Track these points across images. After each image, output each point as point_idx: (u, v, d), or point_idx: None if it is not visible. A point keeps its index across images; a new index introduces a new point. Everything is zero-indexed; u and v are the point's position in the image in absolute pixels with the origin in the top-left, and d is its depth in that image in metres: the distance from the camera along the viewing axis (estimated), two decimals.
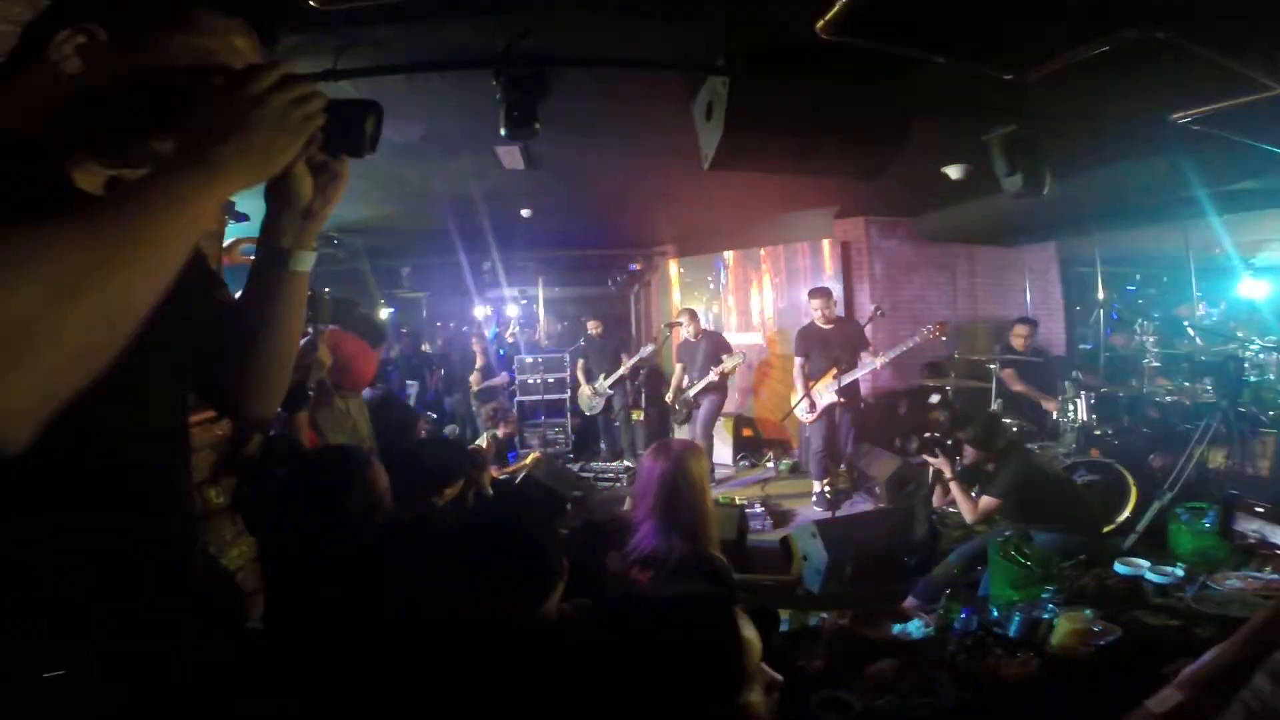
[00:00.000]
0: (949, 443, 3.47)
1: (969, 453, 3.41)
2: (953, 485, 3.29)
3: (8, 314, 0.53)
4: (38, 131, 0.76)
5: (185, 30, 0.79)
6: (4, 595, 0.67)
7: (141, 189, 0.67)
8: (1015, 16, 2.45)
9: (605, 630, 1.02)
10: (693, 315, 6.18)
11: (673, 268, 8.05)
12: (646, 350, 6.62)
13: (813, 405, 5.23)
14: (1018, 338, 5.41)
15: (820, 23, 2.37)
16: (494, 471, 4.25)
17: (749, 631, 1.00)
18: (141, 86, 0.77)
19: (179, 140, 0.73)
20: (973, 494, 3.29)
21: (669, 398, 6.22)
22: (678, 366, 6.23)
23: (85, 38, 0.74)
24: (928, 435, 3.86)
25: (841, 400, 5.11)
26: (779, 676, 1.04)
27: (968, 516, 3.29)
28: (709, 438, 5.96)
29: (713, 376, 5.76)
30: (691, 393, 5.91)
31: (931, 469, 3.64)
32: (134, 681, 0.75)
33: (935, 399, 5.49)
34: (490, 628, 1.42)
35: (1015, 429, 4.84)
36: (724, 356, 5.74)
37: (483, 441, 5.64)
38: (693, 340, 6.07)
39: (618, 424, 6.97)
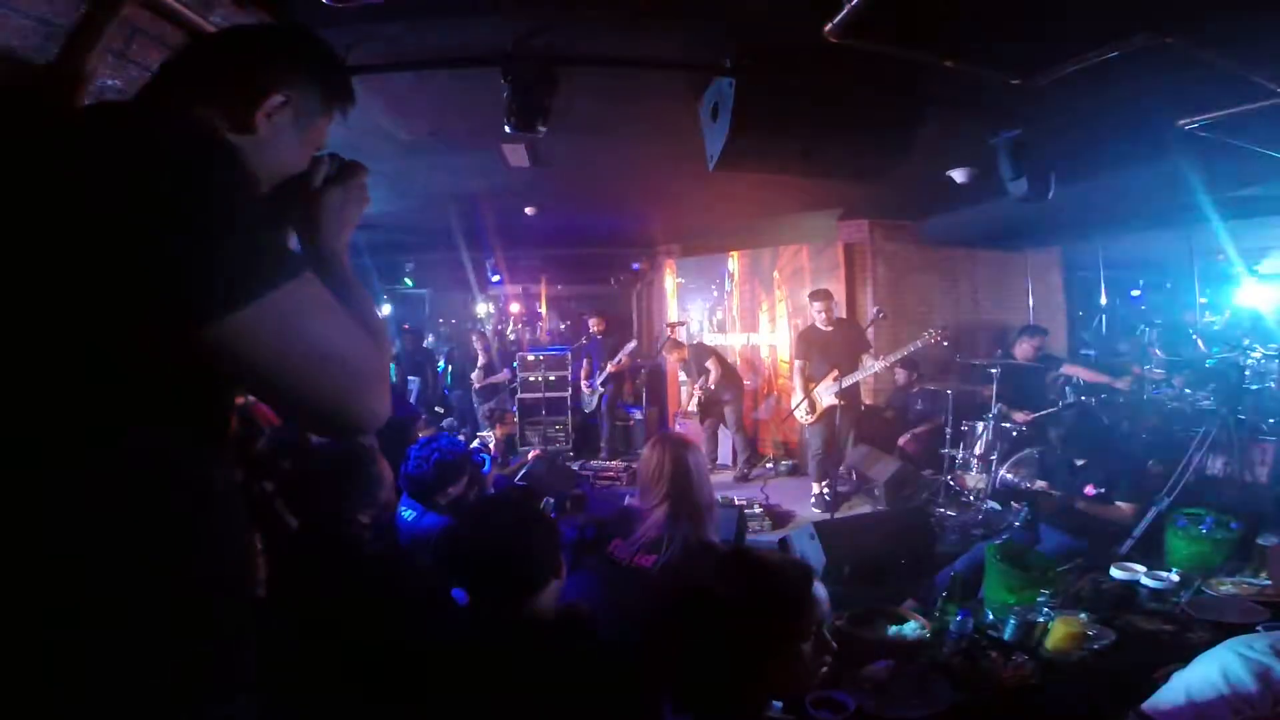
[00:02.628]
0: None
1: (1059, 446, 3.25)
2: (1100, 510, 3.09)
3: (386, 356, 0.83)
4: None
5: (329, 119, 0.94)
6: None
7: (340, 271, 0.89)
8: (1024, 20, 2.46)
9: (711, 575, 1.20)
10: (676, 329, 6.89)
11: (669, 280, 8.01)
12: (629, 348, 6.72)
13: (813, 407, 5.24)
14: (1031, 348, 5.37)
15: (828, 25, 2.37)
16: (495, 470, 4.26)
17: (821, 593, 1.19)
18: (285, 160, 0.89)
19: (319, 224, 0.92)
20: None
21: (689, 402, 6.67)
22: (683, 372, 6.78)
23: (282, 102, 0.86)
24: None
25: (841, 402, 5.12)
26: (834, 645, 1.23)
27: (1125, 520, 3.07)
28: (740, 432, 6.39)
29: (698, 393, 6.35)
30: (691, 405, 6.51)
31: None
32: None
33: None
34: (482, 620, 1.44)
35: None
36: (708, 364, 6.28)
37: (490, 440, 5.67)
38: (687, 355, 6.57)
39: (615, 421, 7.03)
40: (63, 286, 0.67)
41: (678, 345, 6.60)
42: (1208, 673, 1.27)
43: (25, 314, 0.67)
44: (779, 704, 1.31)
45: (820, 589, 1.20)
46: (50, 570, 0.66)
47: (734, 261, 7.39)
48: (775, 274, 6.99)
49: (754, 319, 7.21)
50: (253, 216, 0.72)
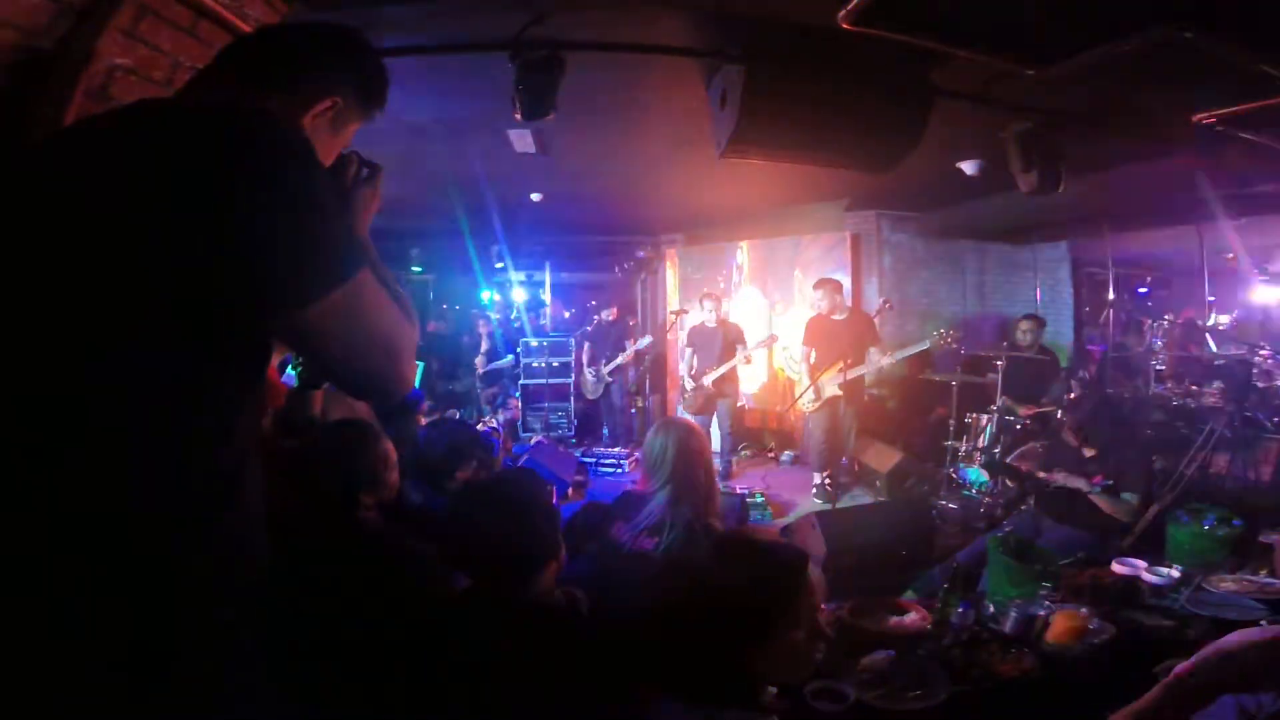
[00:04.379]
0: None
1: (1070, 437, 3.28)
2: (1098, 499, 3.07)
3: (415, 330, 0.91)
4: None
5: (360, 123, 0.99)
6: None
7: (373, 258, 0.91)
8: (1040, 10, 2.43)
9: (704, 557, 1.20)
10: (716, 301, 6.00)
11: (670, 274, 7.91)
12: (644, 343, 6.63)
13: (817, 396, 5.23)
14: (1022, 333, 5.40)
15: (841, 12, 2.35)
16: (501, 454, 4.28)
17: (816, 581, 1.17)
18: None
19: (354, 219, 0.97)
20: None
21: (687, 384, 6.11)
22: (688, 350, 6.10)
23: (329, 106, 0.92)
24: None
25: (844, 394, 5.11)
26: (829, 633, 1.21)
27: (1123, 517, 3.05)
28: (728, 438, 5.97)
29: (726, 368, 5.74)
30: (708, 380, 5.79)
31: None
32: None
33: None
34: (480, 603, 1.45)
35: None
36: (739, 347, 5.77)
37: (493, 425, 5.69)
38: (711, 327, 5.91)
39: (620, 410, 7.01)
40: (173, 270, 0.70)
41: (717, 301, 5.99)
42: None
43: (132, 296, 0.70)
44: (773, 690, 1.30)
45: (816, 574, 1.19)
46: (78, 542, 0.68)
47: (744, 254, 7.28)
48: (797, 272, 6.71)
49: (766, 314, 7.06)
50: (334, 208, 0.80)
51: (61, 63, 1.48)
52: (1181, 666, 1.05)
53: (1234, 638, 1.05)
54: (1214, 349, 5.66)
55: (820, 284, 5.38)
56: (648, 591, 1.39)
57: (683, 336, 6.60)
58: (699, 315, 6.06)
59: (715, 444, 5.94)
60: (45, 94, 1.49)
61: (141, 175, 0.70)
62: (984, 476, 4.83)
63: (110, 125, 0.80)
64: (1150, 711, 1.03)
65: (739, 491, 5.03)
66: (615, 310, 7.15)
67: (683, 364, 6.17)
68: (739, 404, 6.34)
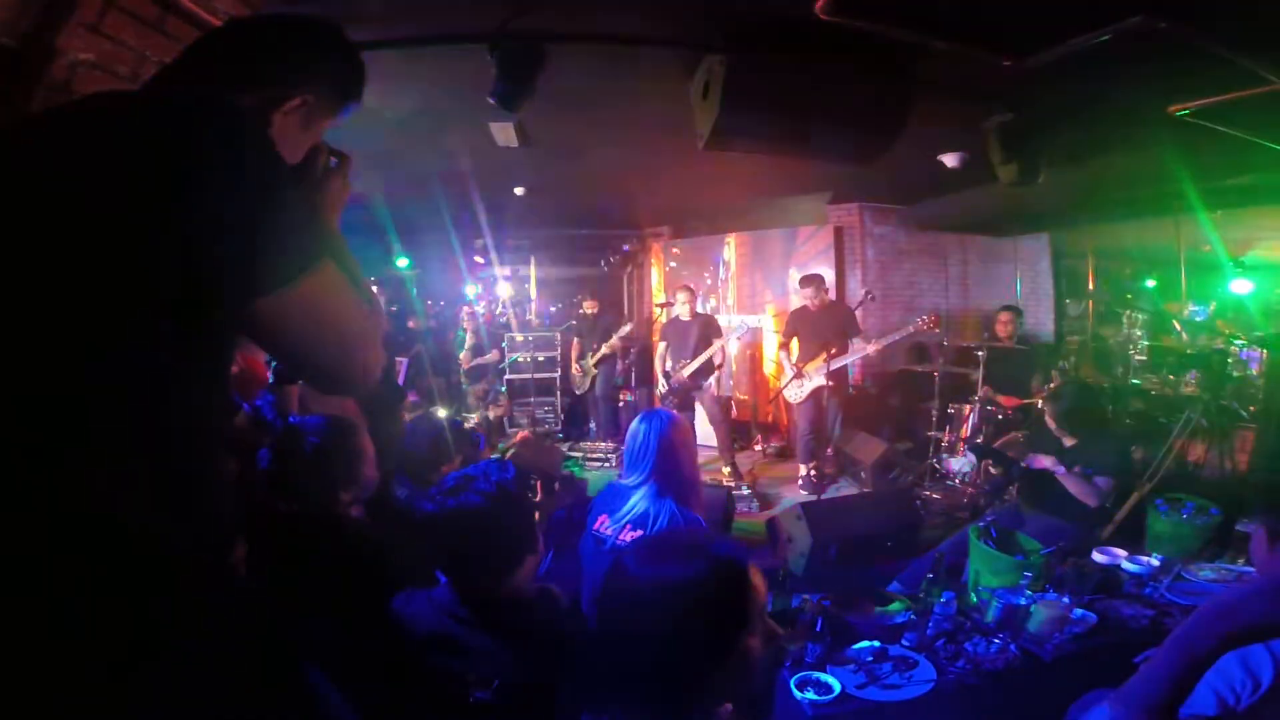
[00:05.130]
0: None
1: (1049, 423, 3.30)
2: (1068, 481, 3.07)
3: (380, 320, 0.89)
4: None
5: (334, 119, 0.98)
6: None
7: (339, 247, 0.90)
8: (1016, 1, 2.43)
9: (634, 564, 1.06)
10: (691, 293, 5.86)
11: (655, 268, 7.85)
12: (624, 330, 6.57)
13: (801, 387, 5.25)
14: (1001, 325, 5.46)
15: (819, 2, 2.34)
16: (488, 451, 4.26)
17: (758, 580, 1.05)
18: (284, 152, 0.88)
19: (323, 209, 0.96)
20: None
21: (661, 381, 5.98)
22: (661, 345, 5.96)
23: (300, 104, 0.91)
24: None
25: (829, 384, 5.14)
26: (780, 630, 1.10)
27: (1091, 501, 3.05)
28: (724, 433, 5.84)
29: (700, 361, 5.59)
30: (686, 372, 5.68)
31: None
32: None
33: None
34: (457, 600, 1.43)
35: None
36: (714, 340, 5.66)
37: (476, 421, 5.65)
38: (685, 320, 5.81)
39: (606, 402, 6.98)
40: (141, 266, 0.69)
41: (692, 294, 5.85)
42: None
43: (85, 291, 0.69)
44: (729, 705, 1.20)
45: (758, 577, 1.05)
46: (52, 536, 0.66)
47: (730, 250, 7.23)
48: (792, 269, 6.62)
49: (755, 311, 7.01)
50: (295, 200, 0.79)
51: (24, 58, 1.44)
52: (1181, 626, 1.00)
53: (1226, 594, 1.02)
54: (1185, 339, 5.75)
55: (806, 281, 5.38)
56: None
57: None
58: (676, 309, 5.93)
59: (713, 440, 5.89)
60: (13, 91, 1.46)
61: (104, 171, 0.69)
62: (967, 466, 4.88)
63: (74, 118, 0.78)
64: (1169, 674, 0.96)
65: (726, 484, 5.04)
66: (595, 303, 7.11)
67: (658, 359, 6.05)
68: (725, 396, 6.30)
